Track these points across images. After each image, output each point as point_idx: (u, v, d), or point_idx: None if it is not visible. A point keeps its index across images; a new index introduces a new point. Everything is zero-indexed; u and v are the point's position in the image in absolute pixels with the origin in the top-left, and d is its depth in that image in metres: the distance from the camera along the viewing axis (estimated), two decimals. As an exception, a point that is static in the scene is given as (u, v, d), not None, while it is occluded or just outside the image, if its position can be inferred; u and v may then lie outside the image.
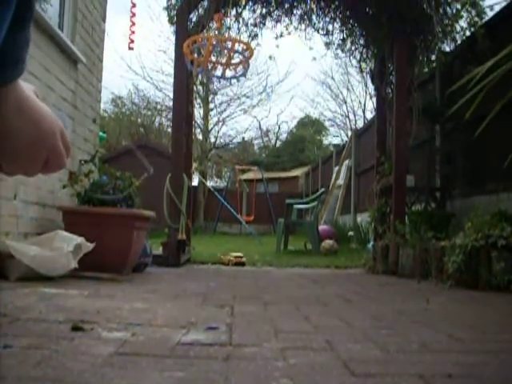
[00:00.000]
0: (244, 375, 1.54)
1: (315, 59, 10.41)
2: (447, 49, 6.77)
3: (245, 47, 5.20)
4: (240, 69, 5.26)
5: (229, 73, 5.34)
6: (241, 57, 5.25)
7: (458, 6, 6.50)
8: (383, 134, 7.16)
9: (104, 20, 7.05)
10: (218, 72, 5.34)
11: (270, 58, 10.42)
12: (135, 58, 42.74)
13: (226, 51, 5.19)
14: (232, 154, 29.42)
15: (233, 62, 5.20)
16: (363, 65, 7.55)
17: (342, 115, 31.59)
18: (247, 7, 7.22)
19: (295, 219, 11.30)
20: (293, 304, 3.17)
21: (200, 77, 7.27)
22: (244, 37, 7.31)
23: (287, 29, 7.37)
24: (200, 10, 6.87)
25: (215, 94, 22.69)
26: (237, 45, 5.27)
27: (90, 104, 6.46)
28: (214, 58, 5.61)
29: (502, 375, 1.63)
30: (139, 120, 28.85)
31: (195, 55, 5.39)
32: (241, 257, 6.87)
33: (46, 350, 1.74)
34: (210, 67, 5.26)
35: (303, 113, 39.45)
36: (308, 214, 15.30)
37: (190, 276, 5.13)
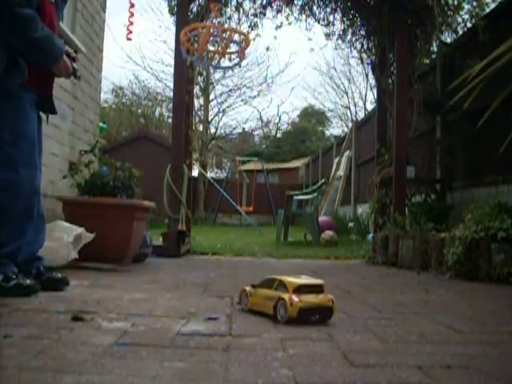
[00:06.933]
0: (244, 365, 1.54)
1: (313, 50, 10.42)
2: (448, 40, 6.76)
3: (243, 37, 5.17)
4: (236, 58, 5.23)
5: (224, 62, 5.31)
6: (237, 46, 5.22)
7: (460, -3, 6.48)
8: (384, 125, 7.14)
9: (104, 10, 7.02)
10: (214, 61, 5.30)
11: (268, 49, 10.44)
12: (135, 48, 42.61)
13: (223, 40, 5.16)
14: (232, 145, 29.35)
15: (229, 50, 5.17)
16: (364, 56, 7.53)
17: (343, 106, 31.53)
18: (248, -3, 7.20)
19: (295, 210, 11.28)
20: (292, 295, 3.17)
21: (197, 66, 7.23)
22: (244, 27, 7.29)
23: (287, 19, 7.34)
24: (200, 0, 6.84)
25: (215, 84, 22.63)
26: (236, 35, 5.23)
27: (89, 94, 6.44)
28: (211, 48, 5.58)
29: (501, 367, 1.64)
30: (139, 110, 28.77)
31: (196, 45, 5.36)
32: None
33: (46, 340, 1.74)
34: (205, 56, 5.22)
35: (306, 103, 39.36)
36: (308, 205, 15.31)
37: (190, 266, 5.13)
